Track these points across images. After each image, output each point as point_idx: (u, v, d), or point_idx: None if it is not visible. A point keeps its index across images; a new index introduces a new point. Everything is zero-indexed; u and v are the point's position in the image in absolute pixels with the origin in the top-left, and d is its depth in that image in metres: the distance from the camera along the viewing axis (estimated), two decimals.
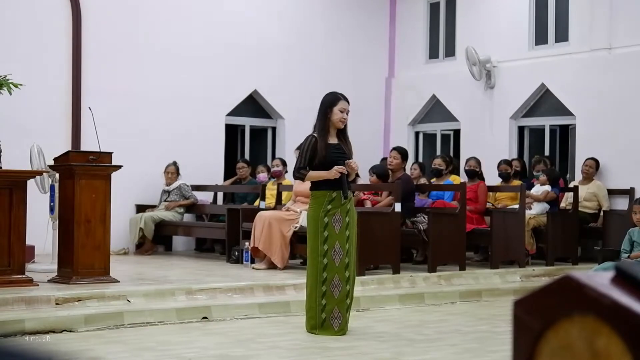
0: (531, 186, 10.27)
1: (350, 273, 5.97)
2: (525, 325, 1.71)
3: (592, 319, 1.57)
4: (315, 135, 6.08)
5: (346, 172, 5.98)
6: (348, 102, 6.14)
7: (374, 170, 9.57)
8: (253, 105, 12.48)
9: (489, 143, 11.94)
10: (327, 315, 5.94)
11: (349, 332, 6.07)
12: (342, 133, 6.12)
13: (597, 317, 1.56)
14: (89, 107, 8.58)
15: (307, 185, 6.47)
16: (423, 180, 10.46)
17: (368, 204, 9.40)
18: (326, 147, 5.98)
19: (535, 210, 9.92)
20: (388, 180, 9.30)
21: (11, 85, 7.87)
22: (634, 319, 1.50)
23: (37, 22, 10.54)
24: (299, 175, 6.09)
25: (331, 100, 6.08)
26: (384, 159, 11.34)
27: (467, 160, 10.46)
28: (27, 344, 1.00)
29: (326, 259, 5.94)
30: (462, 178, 10.54)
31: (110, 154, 7.52)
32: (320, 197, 6.02)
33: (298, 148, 9.46)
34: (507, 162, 10.63)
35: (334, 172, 5.92)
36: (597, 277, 1.64)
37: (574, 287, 1.61)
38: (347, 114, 6.09)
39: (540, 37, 11.77)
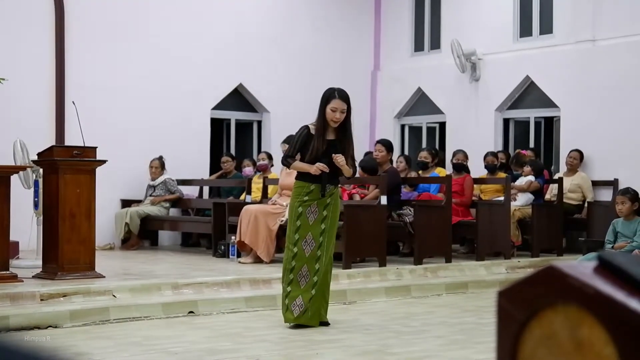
0: (516, 178, 10.30)
1: (321, 266, 5.96)
2: (509, 315, 1.71)
3: (576, 309, 1.57)
4: (308, 126, 6.07)
5: (328, 171, 5.95)
6: (344, 99, 6.00)
7: (362, 164, 9.54)
8: (238, 99, 12.44)
9: (474, 135, 11.97)
10: (290, 302, 5.96)
11: (335, 325, 6.07)
12: (341, 130, 6.05)
13: (581, 306, 1.56)
14: (73, 102, 8.52)
15: (292, 178, 6.47)
16: (413, 174, 10.46)
17: (357, 198, 9.40)
18: (322, 142, 5.96)
19: (520, 202, 9.96)
20: (376, 174, 9.29)
21: None
22: (616, 308, 1.50)
23: (19, 16, 10.46)
24: (285, 162, 6.16)
25: (325, 97, 6.03)
26: (368, 153, 11.33)
27: (455, 154, 10.48)
28: (29, 342, 0.98)
29: (296, 248, 5.96)
30: (448, 170, 10.56)
31: (94, 148, 7.48)
32: (299, 187, 6.06)
33: (284, 142, 9.44)
34: (494, 154, 10.67)
35: (315, 169, 5.91)
36: (580, 267, 1.64)
37: (558, 277, 1.62)
38: (340, 113, 5.96)
39: (525, 30, 11.80)
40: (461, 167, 10.17)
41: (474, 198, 10.02)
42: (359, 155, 10.85)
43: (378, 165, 9.37)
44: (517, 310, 1.70)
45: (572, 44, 11.10)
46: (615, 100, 10.59)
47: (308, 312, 5.95)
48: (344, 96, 6.02)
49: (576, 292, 1.57)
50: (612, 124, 10.58)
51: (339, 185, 6.64)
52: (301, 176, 6.08)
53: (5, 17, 10.37)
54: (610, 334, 1.50)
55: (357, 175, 9.55)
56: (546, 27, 11.57)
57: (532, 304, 1.66)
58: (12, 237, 7.31)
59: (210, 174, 11.96)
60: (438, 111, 12.68)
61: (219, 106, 12.14)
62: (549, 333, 1.62)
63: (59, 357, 0.94)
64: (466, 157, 10.40)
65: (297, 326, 5.96)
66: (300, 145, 6.04)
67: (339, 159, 5.94)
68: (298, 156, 6.11)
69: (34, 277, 7.25)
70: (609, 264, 1.60)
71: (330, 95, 6.02)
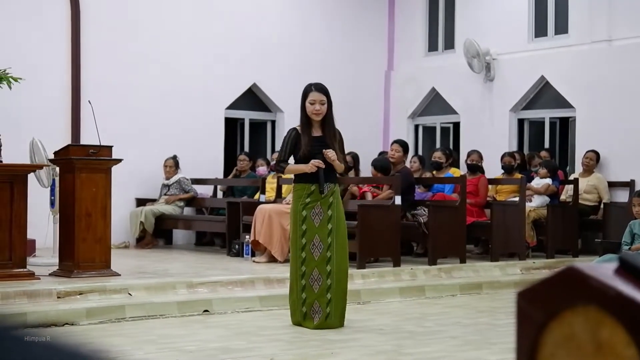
0: (531, 179, 10.27)
1: (332, 267, 5.89)
2: (528, 316, 1.71)
3: (596, 310, 1.57)
4: (296, 128, 6.04)
5: (324, 166, 5.88)
6: (322, 91, 5.92)
7: (375, 163, 9.56)
8: (252, 98, 12.47)
9: (488, 136, 11.94)
10: (307, 309, 5.91)
11: (349, 325, 6.07)
12: (326, 124, 5.97)
13: (601, 308, 1.56)
14: (89, 101, 8.56)
15: None
16: (427, 174, 10.44)
17: (369, 197, 9.40)
18: (308, 140, 5.92)
19: (536, 203, 9.93)
20: (389, 174, 9.30)
21: (11, 80, 7.87)
22: (638, 310, 1.50)
23: (36, 15, 10.52)
24: (279, 168, 6.05)
25: (303, 93, 5.99)
26: (382, 153, 11.33)
27: (469, 154, 10.45)
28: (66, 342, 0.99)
29: (304, 253, 5.89)
30: (462, 171, 10.54)
31: (110, 147, 7.51)
32: (299, 190, 5.97)
33: None
34: (511, 155, 10.62)
35: (311, 166, 5.84)
36: (601, 268, 1.64)
37: (578, 278, 1.62)
38: (320, 105, 5.89)
39: (540, 29, 11.76)
40: (475, 168, 10.14)
41: (488, 199, 10.00)
42: (372, 155, 10.88)
43: (392, 165, 9.37)
44: (536, 311, 1.69)
45: (587, 44, 11.05)
46: (631, 101, 10.53)
47: (331, 316, 5.89)
48: (320, 88, 5.96)
49: (597, 294, 1.57)
50: (629, 124, 10.52)
51: (350, 185, 6.62)
52: (299, 178, 6.00)
53: (21, 16, 10.43)
54: (631, 336, 1.49)
55: (371, 174, 9.57)
56: (561, 27, 11.52)
57: (552, 305, 1.66)
58: (29, 235, 7.36)
59: (225, 173, 11.99)
60: (452, 111, 12.66)
61: (233, 106, 12.16)
62: (569, 334, 1.62)
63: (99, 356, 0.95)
64: (480, 157, 10.38)
65: None
66: (290, 148, 5.97)
67: (330, 154, 5.85)
68: (291, 160, 6.05)
69: (50, 274, 7.30)
70: (630, 265, 1.60)
71: (307, 90, 5.98)
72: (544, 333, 1.66)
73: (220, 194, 11.72)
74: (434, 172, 10.40)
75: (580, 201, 10.19)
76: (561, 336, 1.63)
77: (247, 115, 12.54)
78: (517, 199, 9.68)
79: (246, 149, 12.40)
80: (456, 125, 12.82)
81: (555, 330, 1.65)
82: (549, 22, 11.67)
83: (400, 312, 6.95)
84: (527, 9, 11.79)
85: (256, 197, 10.51)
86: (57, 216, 7.84)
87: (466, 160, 10.48)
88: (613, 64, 10.73)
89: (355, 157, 10.73)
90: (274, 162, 6.10)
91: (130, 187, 10.88)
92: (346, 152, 6.84)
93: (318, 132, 5.98)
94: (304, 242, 5.91)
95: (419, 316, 6.72)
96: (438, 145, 12.49)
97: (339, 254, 5.96)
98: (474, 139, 11.93)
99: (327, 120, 5.98)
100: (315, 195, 5.92)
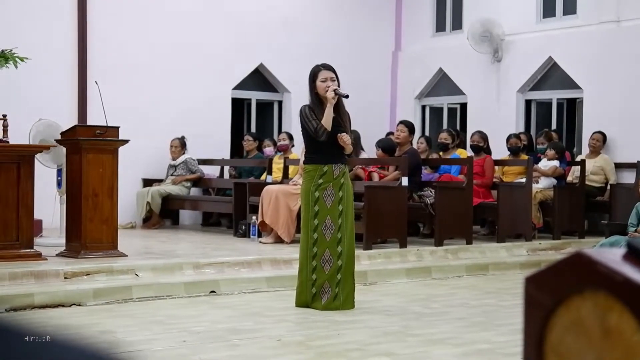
0: (538, 160, 10.24)
1: (343, 248, 5.91)
2: (536, 301, 1.71)
3: (604, 296, 1.57)
4: (307, 104, 6.02)
5: (337, 85, 5.88)
6: (331, 69, 5.96)
7: (380, 144, 9.55)
8: (259, 78, 12.44)
9: (496, 117, 11.90)
10: (317, 289, 5.93)
11: (356, 306, 6.08)
12: (340, 105, 5.98)
13: (609, 293, 1.56)
14: (96, 81, 8.55)
15: None
16: (435, 155, 10.41)
17: (375, 177, 9.39)
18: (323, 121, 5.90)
19: (543, 184, 9.91)
20: (394, 155, 9.29)
21: (17, 59, 7.85)
22: None
23: None
24: (320, 132, 5.87)
25: (312, 75, 5.99)
26: (390, 133, 11.31)
27: (472, 135, 10.43)
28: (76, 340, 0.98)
29: (316, 234, 5.91)
30: (469, 152, 10.52)
31: (117, 128, 7.51)
32: (311, 171, 5.97)
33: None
34: (517, 136, 10.58)
35: (331, 99, 5.80)
36: (609, 254, 1.64)
37: (586, 263, 1.61)
38: (331, 81, 5.89)
39: (548, 10, 11.68)
40: (478, 149, 10.09)
41: (495, 180, 9.98)
42: (379, 136, 10.86)
43: (398, 146, 9.35)
44: (544, 296, 1.70)
45: (595, 25, 10.98)
46: (639, 82, 10.47)
47: (339, 297, 5.91)
48: (328, 67, 6.00)
49: (605, 279, 1.57)
50: (636, 105, 10.48)
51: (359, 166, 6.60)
52: (311, 159, 6.01)
53: None
54: (639, 322, 1.50)
55: (376, 156, 9.56)
56: (570, 8, 11.45)
57: (560, 290, 1.66)
58: (36, 215, 7.38)
59: (231, 154, 11.99)
60: (459, 92, 12.61)
61: (239, 86, 12.14)
62: (577, 320, 1.62)
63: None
64: (482, 138, 10.28)
65: None
66: (314, 115, 5.91)
67: (345, 137, 5.88)
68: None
69: (57, 255, 7.32)
70: (638, 251, 1.60)
71: (315, 70, 6.00)
72: (552, 318, 1.67)
73: (227, 174, 11.72)
74: (441, 153, 10.38)
75: (586, 182, 10.17)
76: (569, 321, 1.64)
77: (254, 96, 12.52)
78: (524, 180, 9.66)
79: (253, 129, 12.39)
80: (463, 106, 12.78)
81: (563, 315, 1.65)
82: (557, 2, 11.59)
83: (407, 293, 6.96)
84: None
85: (263, 177, 10.52)
86: (64, 197, 7.85)
87: (469, 142, 10.45)
88: (621, 45, 10.67)
89: (356, 137, 10.69)
90: (314, 131, 5.91)
91: (137, 167, 10.89)
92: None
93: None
94: (316, 223, 5.92)
95: (426, 297, 6.74)
96: (445, 126, 12.46)
97: (349, 235, 5.98)
98: (481, 120, 11.90)
99: (339, 101, 5.98)
100: (328, 175, 5.93)
